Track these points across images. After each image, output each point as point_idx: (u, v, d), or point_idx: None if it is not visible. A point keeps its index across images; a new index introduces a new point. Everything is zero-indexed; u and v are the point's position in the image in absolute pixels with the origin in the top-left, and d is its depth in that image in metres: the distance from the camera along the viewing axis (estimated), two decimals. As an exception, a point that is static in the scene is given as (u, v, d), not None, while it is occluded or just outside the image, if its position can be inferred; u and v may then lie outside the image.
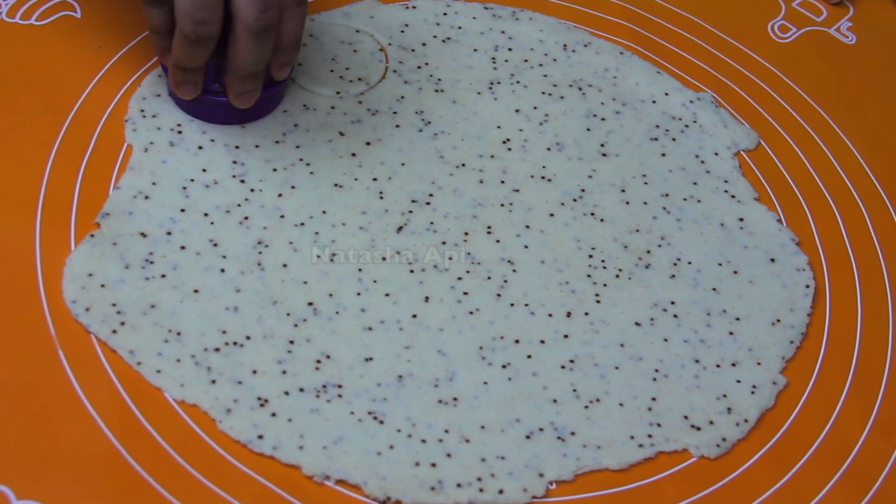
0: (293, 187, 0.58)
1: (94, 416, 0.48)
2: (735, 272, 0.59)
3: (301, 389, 0.51)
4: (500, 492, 0.49)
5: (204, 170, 0.57)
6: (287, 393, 0.50)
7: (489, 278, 0.56)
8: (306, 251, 0.55)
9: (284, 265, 0.55)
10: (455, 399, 0.52)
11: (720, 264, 0.59)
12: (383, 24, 0.66)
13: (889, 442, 0.54)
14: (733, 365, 0.55)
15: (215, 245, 0.55)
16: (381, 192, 0.58)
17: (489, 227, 0.58)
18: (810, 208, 0.63)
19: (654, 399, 0.53)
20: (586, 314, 0.56)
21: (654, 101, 0.66)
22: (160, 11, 0.55)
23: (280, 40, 0.55)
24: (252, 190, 0.57)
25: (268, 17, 0.53)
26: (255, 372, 0.51)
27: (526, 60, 0.66)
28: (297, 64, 0.62)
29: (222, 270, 0.54)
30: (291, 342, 0.52)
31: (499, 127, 0.63)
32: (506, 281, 0.56)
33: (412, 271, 0.56)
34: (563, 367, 0.54)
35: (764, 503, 0.51)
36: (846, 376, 0.57)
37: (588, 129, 0.64)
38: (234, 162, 0.58)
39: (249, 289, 0.53)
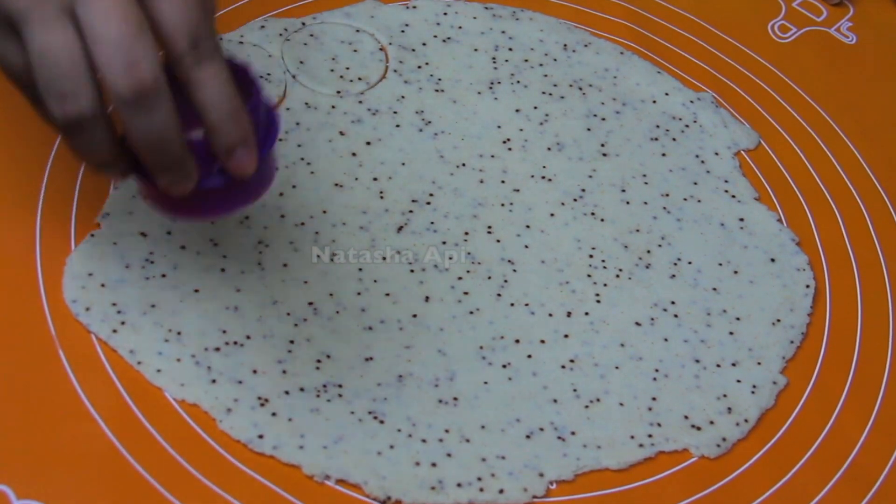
0: (293, 187, 0.58)
1: (94, 416, 0.48)
2: (735, 272, 0.59)
3: (301, 389, 0.51)
4: (501, 491, 0.49)
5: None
6: (287, 392, 0.50)
7: (489, 278, 0.56)
8: (306, 251, 0.55)
9: (285, 265, 0.55)
10: (455, 399, 0.52)
11: (720, 264, 0.59)
12: (383, 24, 0.66)
13: (889, 442, 0.54)
14: (733, 365, 0.55)
15: (215, 245, 0.55)
16: (381, 192, 0.58)
17: (489, 227, 0.58)
18: (810, 208, 0.63)
19: (654, 399, 0.53)
20: (586, 314, 0.56)
21: (654, 101, 0.66)
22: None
23: (205, 117, 0.41)
24: (252, 190, 0.57)
25: (138, 75, 0.38)
26: (255, 371, 0.51)
27: (526, 60, 0.66)
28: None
29: (222, 270, 0.54)
30: (291, 342, 0.52)
31: (499, 127, 0.63)
32: (506, 281, 0.56)
33: (412, 271, 0.56)
34: (563, 366, 0.54)
35: (764, 503, 0.51)
36: (846, 376, 0.57)
37: (588, 129, 0.64)
38: (235, 162, 0.58)
39: (250, 288, 0.53)
